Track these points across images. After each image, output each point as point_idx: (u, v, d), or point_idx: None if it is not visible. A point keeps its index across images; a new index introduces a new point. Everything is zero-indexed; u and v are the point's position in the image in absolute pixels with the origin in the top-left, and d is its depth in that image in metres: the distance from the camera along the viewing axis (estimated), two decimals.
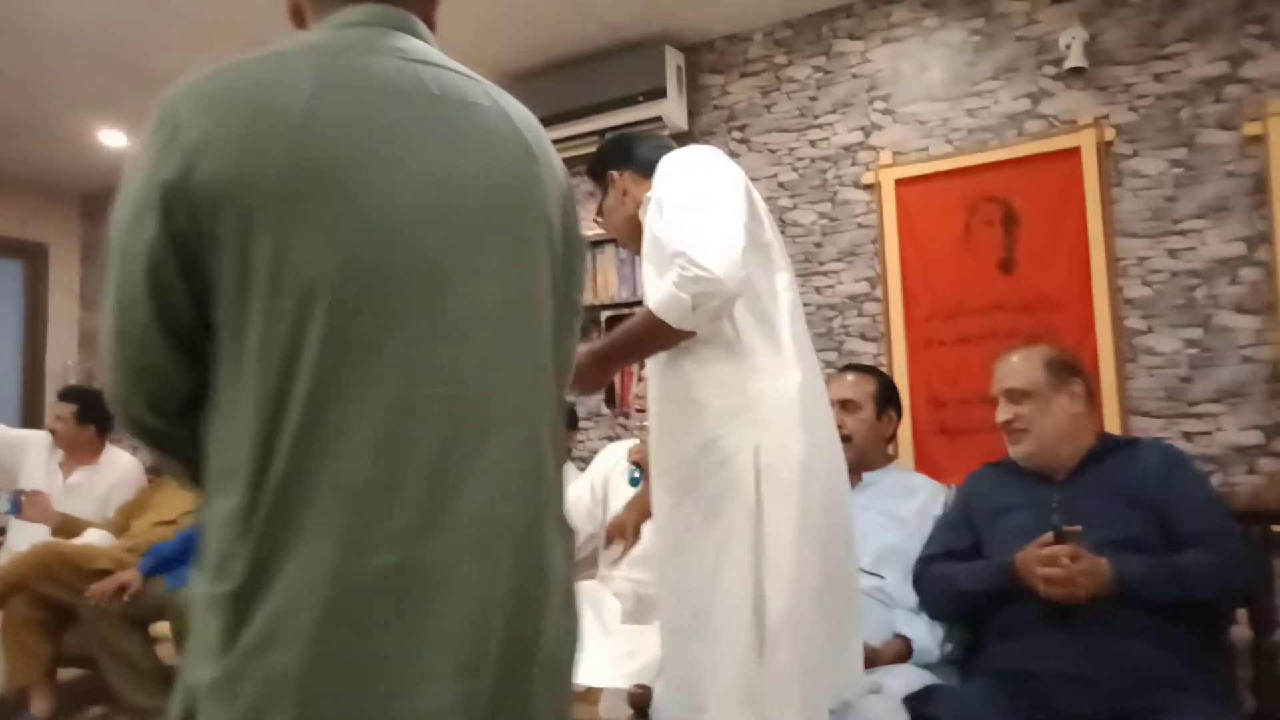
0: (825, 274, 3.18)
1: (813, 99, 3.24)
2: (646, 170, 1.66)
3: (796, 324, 1.57)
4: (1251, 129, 2.51)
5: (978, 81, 2.94)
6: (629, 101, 3.35)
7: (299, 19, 1.03)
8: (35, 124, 4.24)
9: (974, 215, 2.92)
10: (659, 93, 3.30)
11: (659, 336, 1.45)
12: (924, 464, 2.83)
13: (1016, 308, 2.83)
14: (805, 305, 3.09)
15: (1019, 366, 1.94)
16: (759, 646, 1.36)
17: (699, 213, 1.43)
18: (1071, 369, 1.93)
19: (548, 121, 3.33)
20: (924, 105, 3.03)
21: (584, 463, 3.58)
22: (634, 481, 2.30)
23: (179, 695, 0.86)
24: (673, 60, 3.37)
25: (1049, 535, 1.67)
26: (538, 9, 3.19)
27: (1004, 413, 1.94)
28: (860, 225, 3.13)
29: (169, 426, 0.91)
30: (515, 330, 0.92)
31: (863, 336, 3.11)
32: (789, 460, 1.42)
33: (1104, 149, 2.71)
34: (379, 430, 0.82)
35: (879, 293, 3.06)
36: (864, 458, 2.24)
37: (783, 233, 3.03)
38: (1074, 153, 2.76)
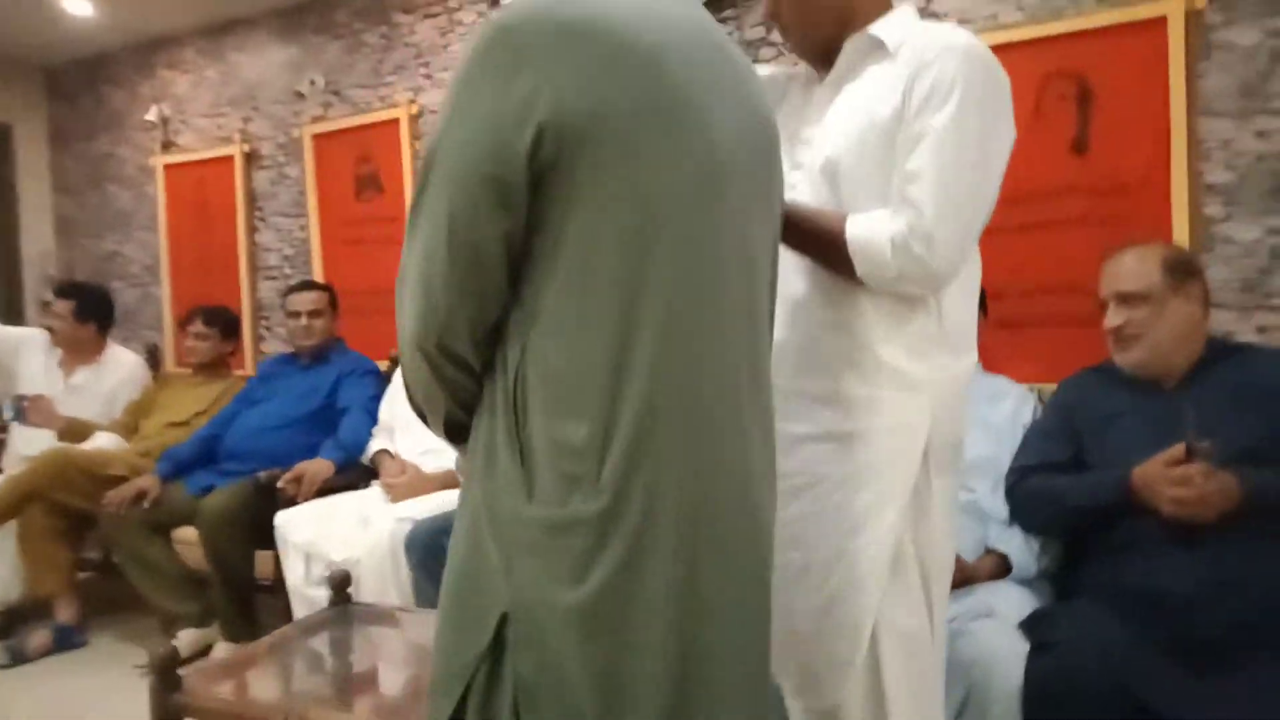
0: None
1: None
2: None
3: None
4: None
5: None
6: None
7: None
8: None
9: (1045, 91, 2.70)
10: None
11: (839, 266, 1.25)
12: (983, 361, 2.72)
13: (1088, 192, 2.65)
14: None
15: (1134, 267, 1.80)
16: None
17: (968, 171, 1.19)
18: (1189, 270, 1.79)
19: None
20: None
21: None
22: None
23: (481, 617, 0.89)
24: None
25: (1177, 450, 1.57)
26: None
27: (1115, 317, 1.81)
28: None
29: (474, 355, 0.92)
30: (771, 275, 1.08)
31: None
32: (954, 442, 1.29)
33: (1193, 18, 2.48)
34: (714, 363, 0.91)
35: None
36: None
37: None
38: (1159, 22, 2.53)
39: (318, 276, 4.12)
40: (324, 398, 3.13)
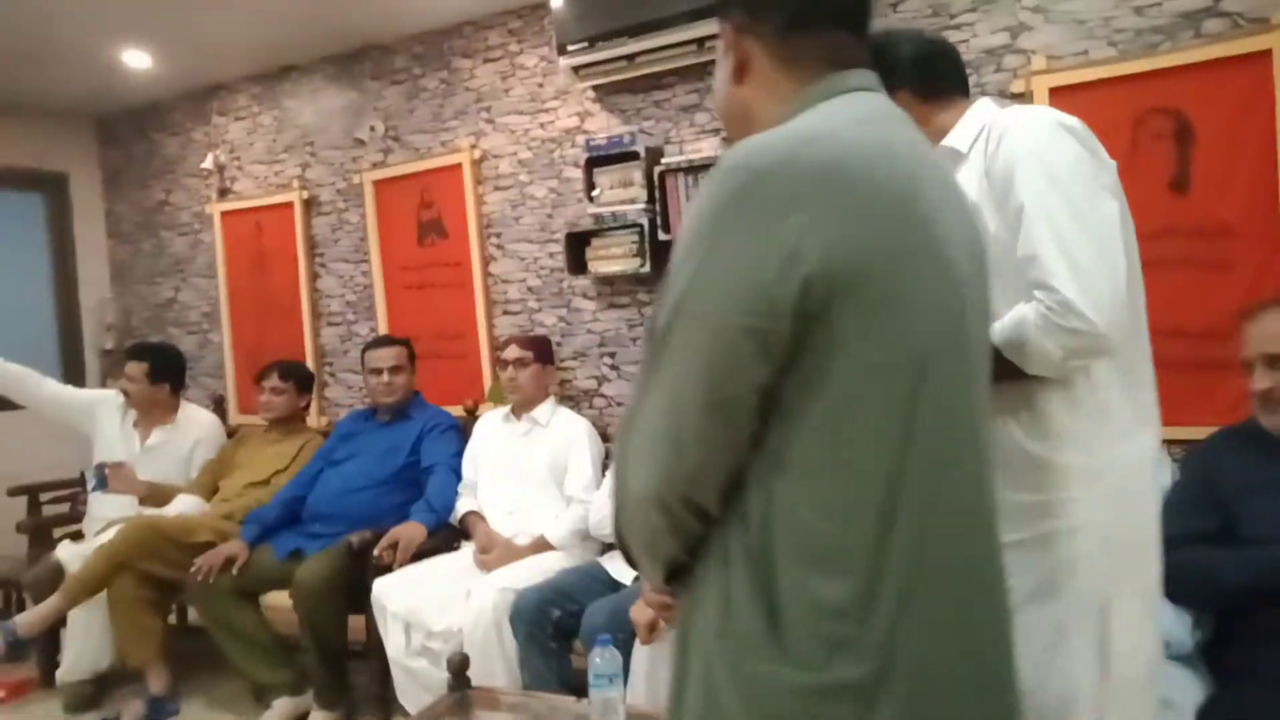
0: None
1: None
2: (930, 94, 1.38)
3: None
4: None
5: None
6: None
7: (741, 74, 1.01)
8: (48, 46, 3.84)
9: (1141, 129, 2.64)
10: None
11: (1004, 378, 1.21)
12: None
13: (1189, 233, 2.59)
14: None
15: None
16: None
17: (1074, 228, 1.17)
18: None
19: (638, 31, 3.02)
20: (1082, 3, 2.69)
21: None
22: None
23: None
24: None
25: None
26: None
27: (1265, 380, 1.74)
28: None
29: (717, 506, 0.88)
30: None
31: None
32: (1139, 534, 1.23)
33: None
34: (973, 517, 0.89)
35: None
36: None
37: None
38: (1263, 56, 2.46)
39: (381, 321, 4.12)
40: (407, 456, 3.11)
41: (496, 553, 2.69)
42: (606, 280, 3.55)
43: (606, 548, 2.74)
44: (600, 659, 1.70)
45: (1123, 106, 2.64)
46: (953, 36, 2.88)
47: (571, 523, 2.79)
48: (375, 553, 2.71)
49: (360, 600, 2.74)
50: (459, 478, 3.03)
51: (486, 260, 3.88)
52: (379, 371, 3.17)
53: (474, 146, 3.86)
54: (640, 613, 2.10)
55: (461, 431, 3.25)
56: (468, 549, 2.84)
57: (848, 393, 0.82)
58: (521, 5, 3.68)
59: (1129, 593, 1.24)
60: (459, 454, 3.10)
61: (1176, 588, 1.75)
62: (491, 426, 3.04)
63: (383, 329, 4.07)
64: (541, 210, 3.74)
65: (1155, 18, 2.61)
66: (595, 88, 3.52)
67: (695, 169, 3.19)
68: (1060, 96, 2.71)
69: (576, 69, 3.41)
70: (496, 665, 2.41)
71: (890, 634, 0.81)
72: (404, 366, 3.25)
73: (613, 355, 3.57)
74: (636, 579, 2.48)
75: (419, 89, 4.01)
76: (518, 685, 2.38)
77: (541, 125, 3.71)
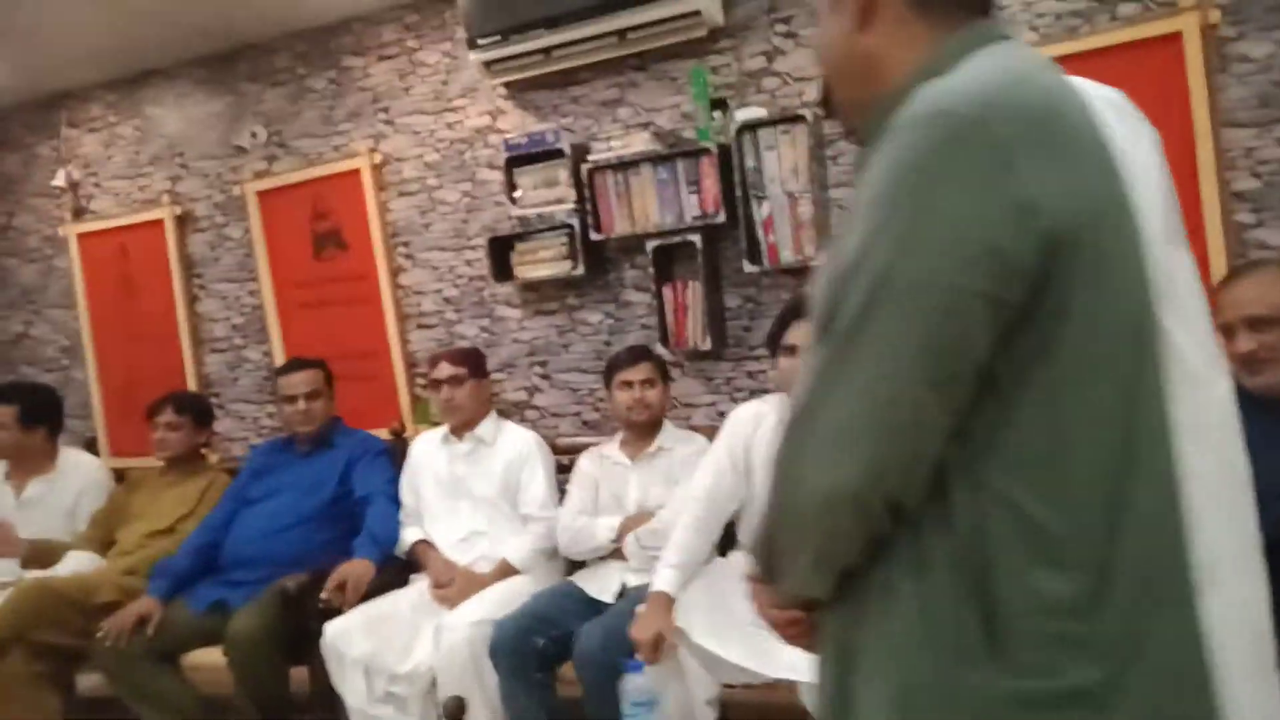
0: None
1: None
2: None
3: None
4: None
5: None
6: None
7: (867, 19, 0.90)
8: None
9: None
10: None
11: None
12: None
13: None
14: None
15: (1262, 291, 1.80)
16: None
17: None
18: None
19: (554, 22, 2.87)
20: None
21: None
22: None
23: None
24: None
25: None
26: None
27: (1246, 343, 1.80)
28: None
29: (914, 502, 0.78)
30: None
31: None
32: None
33: (1208, 32, 2.55)
34: (1185, 501, 0.81)
35: None
36: None
37: (834, 142, 2.81)
38: (1174, 38, 2.59)
39: (276, 345, 3.79)
40: (336, 487, 2.86)
41: (458, 584, 2.49)
42: (532, 286, 3.38)
43: (574, 565, 2.59)
44: (634, 687, 1.57)
45: None
46: None
47: (534, 542, 2.62)
48: (323, 595, 2.46)
49: (302, 650, 2.48)
50: (399, 506, 2.80)
51: (395, 271, 3.64)
52: (293, 399, 2.90)
53: (373, 150, 3.61)
54: (643, 630, 1.97)
55: (392, 456, 3.01)
56: (422, 582, 2.62)
57: (1077, 365, 0.74)
58: None
59: None
60: (394, 481, 2.87)
61: None
62: (430, 449, 2.83)
63: (278, 353, 3.75)
64: (455, 215, 3.53)
65: (1074, 2, 2.70)
66: (507, 84, 3.35)
67: (627, 165, 3.08)
68: None
69: (488, 64, 3.23)
70: (476, 705, 2.22)
71: (1125, 632, 0.74)
72: (321, 391, 2.98)
73: (543, 364, 3.41)
74: (621, 596, 2.35)
75: (304, 90, 3.72)
76: None
77: (449, 125, 3.51)
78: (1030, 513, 0.74)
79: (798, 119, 2.88)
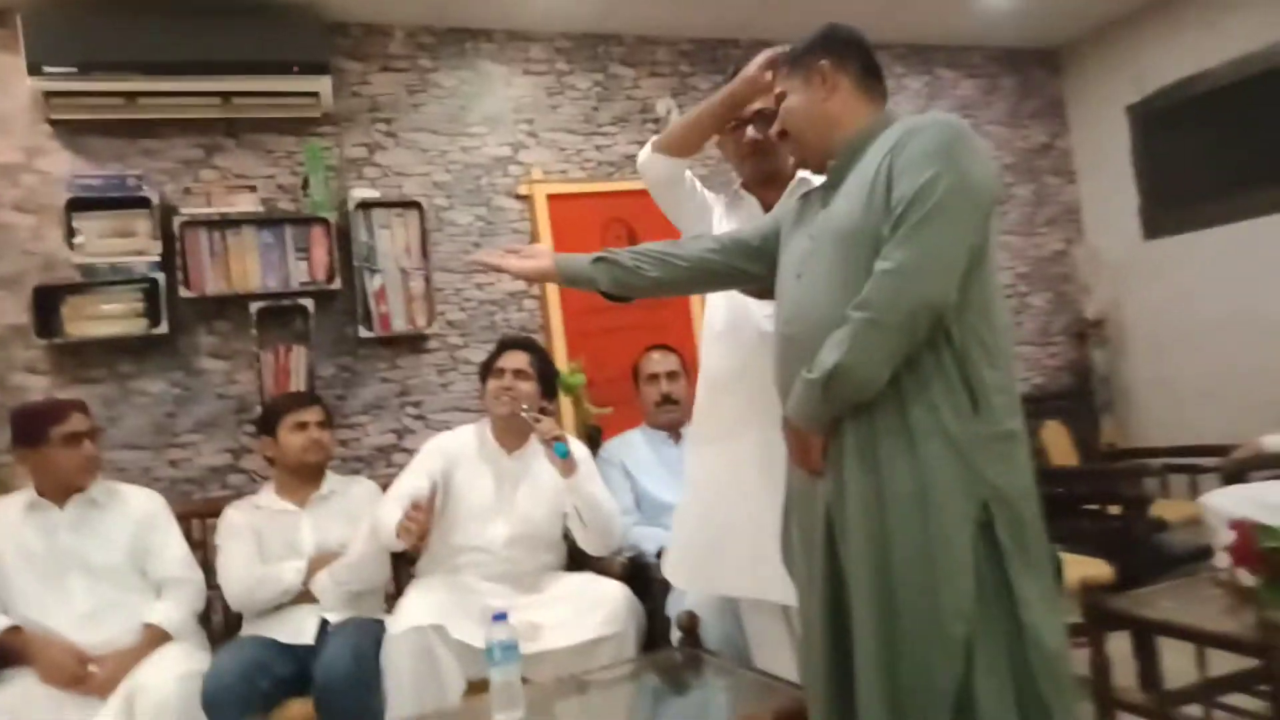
0: (485, 273, 3.46)
1: (462, 108, 3.48)
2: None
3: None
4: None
5: (601, 124, 3.67)
6: (281, 69, 3.03)
7: (830, 92, 1.54)
8: None
9: (606, 231, 3.64)
10: (320, 68, 3.08)
11: None
12: None
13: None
14: (468, 300, 3.40)
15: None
16: None
17: None
18: None
19: (153, 69, 2.81)
20: (563, 135, 3.60)
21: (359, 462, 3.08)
22: (563, 453, 2.37)
23: (978, 508, 1.34)
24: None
25: None
26: None
27: None
28: (514, 230, 3.52)
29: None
30: None
31: (523, 327, 3.49)
32: None
33: None
34: None
35: (537, 289, 3.50)
36: None
37: (439, 231, 3.32)
38: None
39: None
40: None
41: (109, 665, 2.06)
42: (72, 349, 2.92)
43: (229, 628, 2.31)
44: (497, 634, 1.70)
45: (593, 214, 3.60)
46: (466, 144, 3.47)
47: (187, 604, 2.29)
48: None
49: None
50: None
51: None
52: None
53: None
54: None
55: None
56: (21, 676, 2.06)
57: (991, 260, 1.45)
58: None
59: None
60: None
61: None
62: (7, 521, 2.25)
63: None
64: None
65: (609, 155, 3.67)
66: (59, 121, 2.97)
67: (226, 224, 3.00)
68: (552, 201, 3.54)
69: (48, 95, 2.85)
70: None
71: (1017, 399, 1.44)
72: None
73: None
74: (321, 633, 2.26)
75: None
76: None
77: None
78: (983, 336, 1.40)
79: (413, 204, 3.24)
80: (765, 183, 1.99)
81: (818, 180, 1.87)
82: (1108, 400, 4.35)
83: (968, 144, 1.39)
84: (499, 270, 1.80)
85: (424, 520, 2.16)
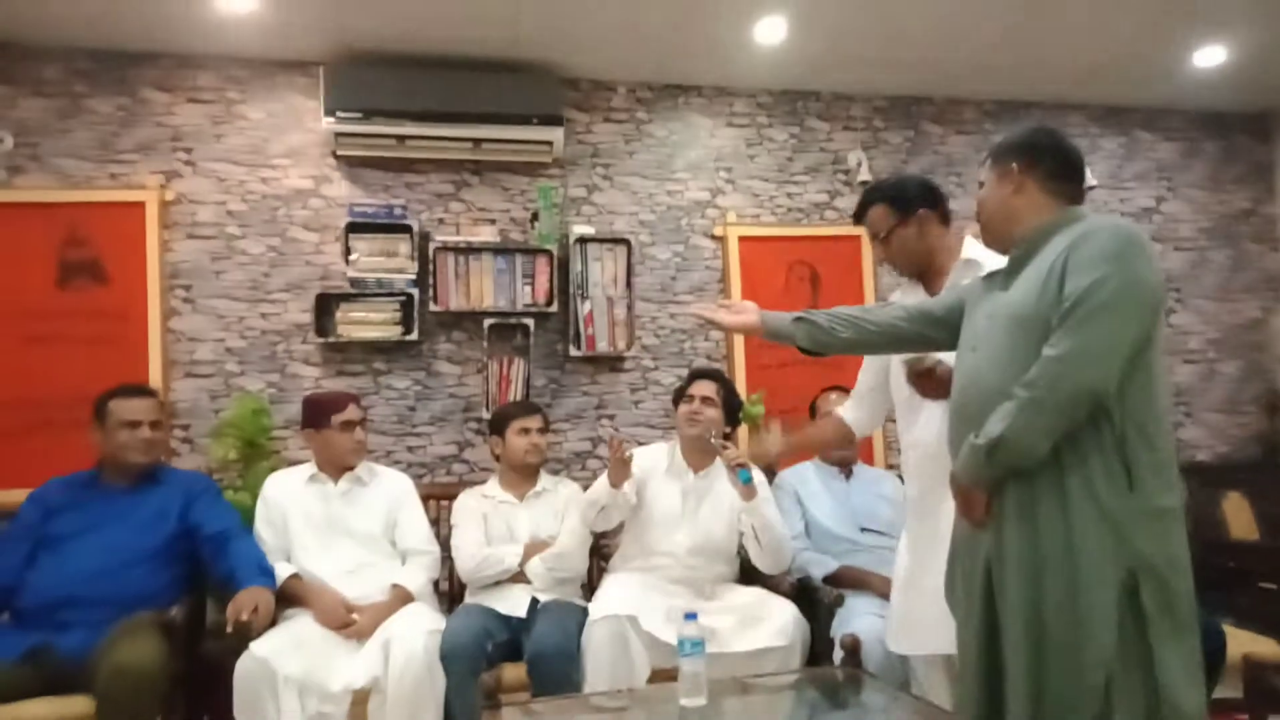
0: (677, 302, 3.83)
1: (670, 155, 3.86)
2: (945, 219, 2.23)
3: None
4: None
5: (794, 174, 3.96)
6: (523, 120, 3.50)
7: (1019, 190, 1.78)
8: None
9: (791, 272, 3.92)
10: (554, 119, 3.53)
11: None
12: None
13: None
14: (662, 328, 3.75)
15: None
16: None
17: None
18: None
19: (421, 117, 3.32)
20: (757, 183, 3.92)
21: (559, 464, 3.59)
22: (746, 479, 2.68)
23: (1125, 574, 1.54)
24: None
25: None
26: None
27: None
28: (707, 267, 3.87)
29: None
30: None
31: (709, 356, 3.84)
32: None
33: None
34: None
35: None
36: None
37: (641, 264, 3.69)
38: (857, 238, 3.94)
39: None
40: (176, 523, 2.65)
41: (367, 615, 2.56)
42: (339, 347, 3.50)
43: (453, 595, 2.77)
44: (692, 629, 2.03)
45: (779, 256, 3.89)
46: (671, 188, 3.85)
47: (427, 571, 2.78)
48: (243, 618, 2.31)
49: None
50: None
51: (168, 314, 3.44)
52: (137, 425, 2.65)
53: (164, 186, 3.45)
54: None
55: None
56: (301, 615, 2.58)
57: (1157, 355, 1.63)
58: (266, 60, 3.54)
59: None
60: (239, 518, 2.77)
61: None
62: (293, 489, 2.80)
63: None
64: (255, 267, 3.52)
65: (799, 202, 3.95)
66: (342, 157, 3.56)
67: (469, 250, 3.50)
68: (743, 243, 3.86)
69: (338, 135, 3.44)
70: (426, 708, 2.34)
71: (1177, 478, 1.63)
72: (162, 421, 2.77)
73: None
74: (531, 610, 2.67)
75: (80, 109, 3.43)
76: None
77: (263, 180, 3.55)
78: (1142, 419, 1.60)
79: (622, 240, 3.65)
80: (919, 277, 2.26)
81: (982, 257, 2.12)
82: None
83: (1140, 249, 1.59)
84: (712, 324, 2.12)
85: (623, 450, 2.64)
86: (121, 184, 3.44)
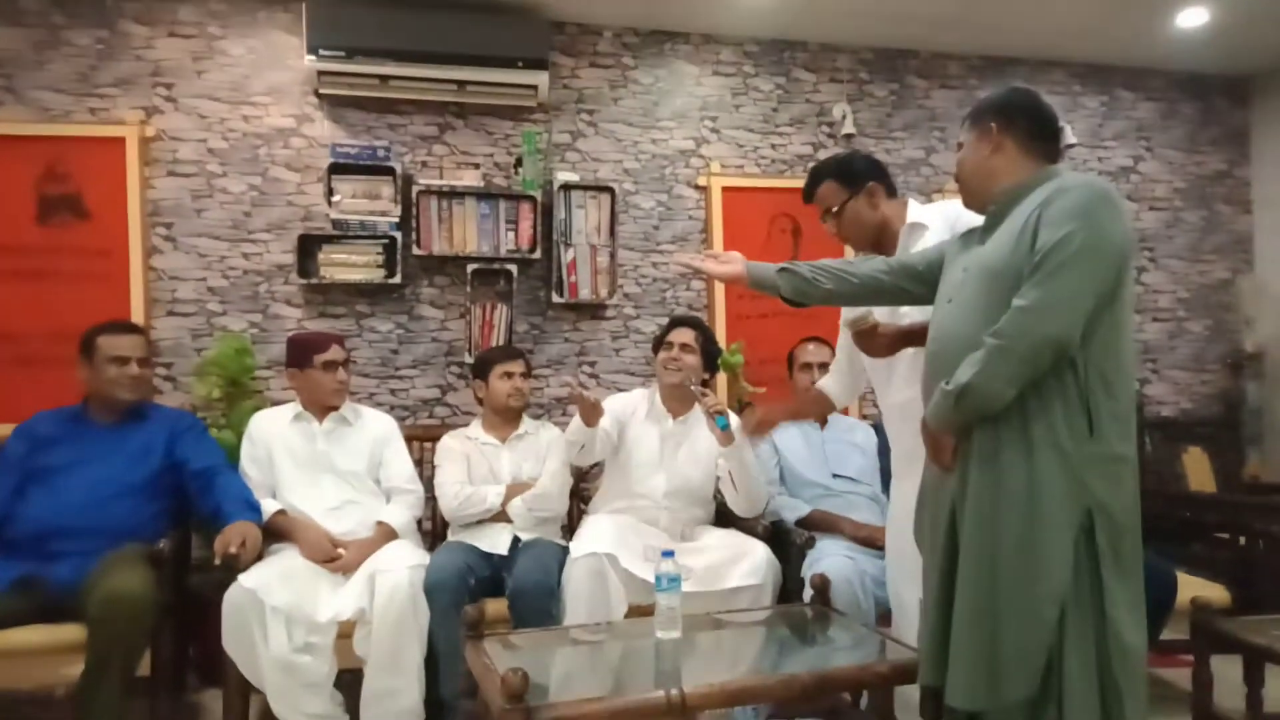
0: (660, 252, 3.86)
1: (655, 103, 3.86)
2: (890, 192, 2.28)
3: None
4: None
5: (779, 125, 3.97)
6: (508, 63, 3.48)
7: (996, 150, 1.81)
8: None
9: (773, 224, 3.96)
10: (540, 64, 3.52)
11: None
12: None
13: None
14: (644, 276, 3.79)
15: None
16: None
17: None
18: None
19: (405, 58, 3.30)
20: (741, 133, 3.93)
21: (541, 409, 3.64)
22: (724, 425, 2.75)
23: (1082, 515, 1.63)
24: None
25: None
26: None
27: None
28: (690, 217, 3.90)
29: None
30: None
31: (690, 306, 3.89)
32: None
33: None
34: None
35: None
36: None
37: (625, 213, 3.73)
38: None
39: None
40: (162, 458, 2.69)
41: (352, 550, 2.62)
42: (321, 288, 3.51)
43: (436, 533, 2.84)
44: (669, 565, 2.11)
45: (762, 208, 3.93)
46: (655, 136, 3.85)
47: (411, 509, 2.84)
48: (232, 550, 2.37)
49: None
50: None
51: (149, 252, 3.43)
52: (125, 361, 2.67)
53: (144, 123, 3.42)
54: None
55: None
56: (288, 549, 2.64)
57: (1124, 309, 1.69)
58: None
59: None
60: (224, 454, 2.81)
61: None
62: (279, 427, 2.84)
63: None
64: (236, 206, 3.50)
65: (783, 153, 3.97)
66: (324, 96, 3.53)
67: (452, 194, 3.51)
68: (726, 194, 3.88)
69: (321, 74, 3.41)
70: (410, 640, 2.42)
71: (1134, 429, 1.71)
72: (149, 359, 2.79)
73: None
74: (513, 548, 2.74)
75: (58, 41, 3.38)
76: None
77: (245, 118, 3.52)
78: (1105, 369, 1.67)
79: (605, 188, 3.66)
80: (873, 248, 2.30)
81: (927, 219, 2.19)
82: (1257, 434, 4.37)
83: (1109, 206, 1.64)
84: (697, 271, 2.16)
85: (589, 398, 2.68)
86: (101, 119, 3.40)
